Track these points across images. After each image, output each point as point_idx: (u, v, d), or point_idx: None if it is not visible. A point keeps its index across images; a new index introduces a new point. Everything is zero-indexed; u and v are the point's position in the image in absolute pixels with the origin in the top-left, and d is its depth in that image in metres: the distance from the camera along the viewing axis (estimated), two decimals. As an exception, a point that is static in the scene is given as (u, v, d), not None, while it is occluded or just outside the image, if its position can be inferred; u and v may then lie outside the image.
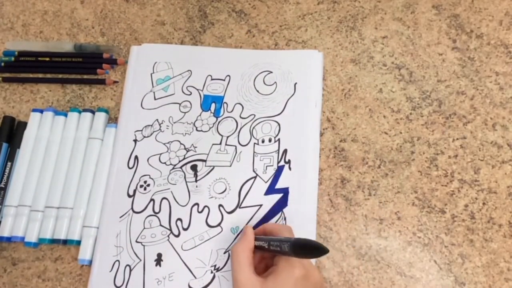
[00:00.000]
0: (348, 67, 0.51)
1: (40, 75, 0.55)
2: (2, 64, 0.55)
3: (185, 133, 0.50)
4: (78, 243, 0.47)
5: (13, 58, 0.55)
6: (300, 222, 0.45)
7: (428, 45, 0.51)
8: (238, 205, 0.46)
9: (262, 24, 0.54)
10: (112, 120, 0.52)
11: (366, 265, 0.44)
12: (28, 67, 0.55)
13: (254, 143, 0.48)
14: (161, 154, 0.49)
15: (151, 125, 0.50)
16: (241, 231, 0.45)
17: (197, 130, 0.50)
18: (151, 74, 0.53)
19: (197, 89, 0.52)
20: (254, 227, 0.44)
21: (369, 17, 0.53)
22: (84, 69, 0.54)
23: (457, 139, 0.47)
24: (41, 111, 0.52)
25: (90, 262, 0.46)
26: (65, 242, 0.47)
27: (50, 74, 0.55)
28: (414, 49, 0.51)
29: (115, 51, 0.55)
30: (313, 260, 0.44)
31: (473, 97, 0.48)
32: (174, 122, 0.50)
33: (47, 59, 0.55)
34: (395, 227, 0.45)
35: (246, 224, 0.45)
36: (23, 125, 0.51)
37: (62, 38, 0.57)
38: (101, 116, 0.51)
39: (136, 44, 0.55)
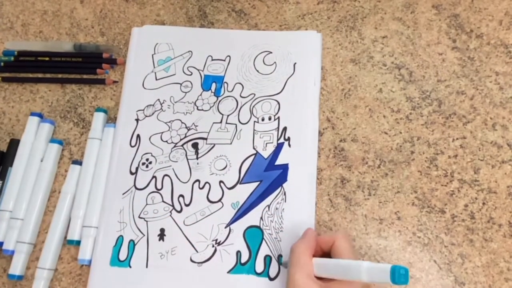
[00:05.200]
0: (348, 67, 0.51)
1: (40, 75, 0.55)
2: (2, 64, 0.55)
3: (186, 112, 0.51)
4: (78, 243, 0.47)
5: (12, 58, 0.55)
6: (300, 195, 0.46)
7: (428, 45, 0.51)
8: (239, 181, 0.47)
9: (262, 24, 0.54)
10: (112, 120, 0.52)
11: (366, 265, 0.44)
12: (28, 67, 0.55)
13: (254, 121, 0.50)
14: (162, 132, 0.50)
15: (153, 105, 0.51)
16: (241, 206, 0.46)
17: (198, 109, 0.51)
18: (152, 55, 0.54)
19: (198, 70, 0.53)
20: (254, 203, 0.46)
21: (369, 17, 0.53)
22: (83, 69, 0.54)
23: (457, 139, 0.47)
24: (40, 116, 0.52)
25: (90, 262, 0.46)
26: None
27: (50, 74, 0.55)
28: (414, 49, 0.51)
29: (114, 51, 0.55)
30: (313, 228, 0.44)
31: (473, 97, 0.48)
32: (175, 102, 0.51)
33: (47, 59, 0.55)
34: (395, 227, 0.45)
35: (246, 199, 0.46)
36: (15, 143, 0.51)
37: (62, 38, 0.56)
38: (100, 116, 0.51)
39: (136, 44, 0.55)
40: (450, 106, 0.48)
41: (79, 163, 0.49)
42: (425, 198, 0.46)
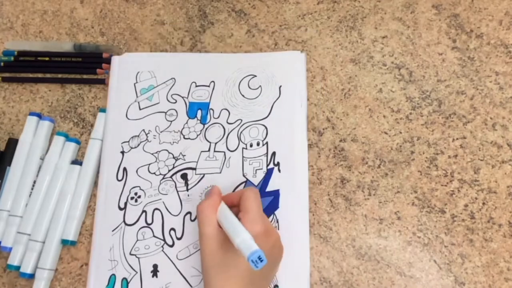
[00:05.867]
0: (348, 67, 0.51)
1: (40, 75, 0.55)
2: (2, 64, 0.55)
3: (173, 142, 0.49)
4: (73, 243, 0.47)
5: (12, 58, 0.55)
6: (293, 222, 0.45)
7: (428, 45, 0.51)
8: None
9: (262, 24, 0.54)
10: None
11: (366, 265, 0.44)
12: (28, 67, 0.55)
13: (243, 148, 0.49)
14: (149, 164, 0.49)
15: (138, 136, 0.50)
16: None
17: (184, 138, 0.49)
18: (134, 84, 0.52)
19: (182, 97, 0.51)
20: None
21: (369, 17, 0.53)
22: (83, 69, 0.54)
23: (457, 139, 0.47)
24: (39, 116, 0.52)
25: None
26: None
27: (50, 74, 0.55)
28: (414, 49, 0.51)
29: (114, 51, 0.55)
30: (307, 258, 0.44)
31: (473, 97, 0.48)
32: (161, 131, 0.50)
33: (47, 59, 0.55)
34: (395, 227, 0.45)
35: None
36: (14, 142, 0.51)
37: (62, 38, 0.56)
38: (103, 117, 0.51)
39: (136, 44, 0.55)
40: (450, 106, 0.48)
41: (79, 163, 0.49)
42: (425, 198, 0.46)
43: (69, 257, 0.47)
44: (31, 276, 0.45)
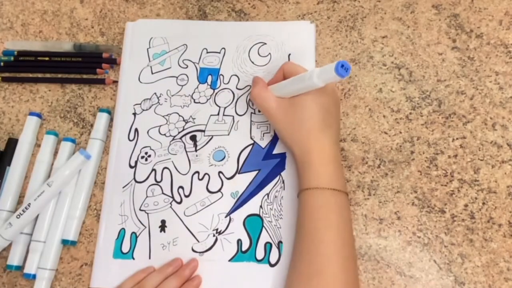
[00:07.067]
0: (348, 67, 0.51)
1: (40, 75, 0.55)
2: (2, 63, 0.55)
3: (183, 105, 0.51)
4: (73, 243, 0.47)
5: (12, 58, 0.55)
6: (297, 183, 0.46)
7: (428, 45, 0.51)
8: (237, 171, 0.48)
9: (261, 23, 0.54)
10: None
11: (366, 265, 0.44)
12: (28, 66, 0.55)
13: (251, 112, 0.50)
14: (160, 126, 0.51)
15: (150, 99, 0.52)
16: (240, 195, 0.47)
17: (195, 102, 0.51)
18: (147, 49, 0.54)
19: (193, 62, 0.53)
20: (253, 192, 0.47)
21: (368, 17, 0.53)
22: (83, 68, 0.54)
23: (457, 139, 0.47)
24: (39, 116, 0.52)
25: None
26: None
27: (50, 73, 0.55)
28: (414, 48, 0.51)
29: (114, 51, 0.55)
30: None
31: (473, 97, 0.48)
32: (172, 95, 0.52)
33: (47, 58, 0.55)
34: (394, 227, 0.45)
35: (246, 188, 0.47)
36: (13, 142, 0.51)
37: (62, 38, 0.56)
38: (103, 117, 0.51)
39: (136, 43, 0.55)
40: (450, 106, 0.48)
41: (79, 163, 0.49)
42: (425, 198, 0.46)
43: (69, 257, 0.47)
44: (35, 277, 0.46)
